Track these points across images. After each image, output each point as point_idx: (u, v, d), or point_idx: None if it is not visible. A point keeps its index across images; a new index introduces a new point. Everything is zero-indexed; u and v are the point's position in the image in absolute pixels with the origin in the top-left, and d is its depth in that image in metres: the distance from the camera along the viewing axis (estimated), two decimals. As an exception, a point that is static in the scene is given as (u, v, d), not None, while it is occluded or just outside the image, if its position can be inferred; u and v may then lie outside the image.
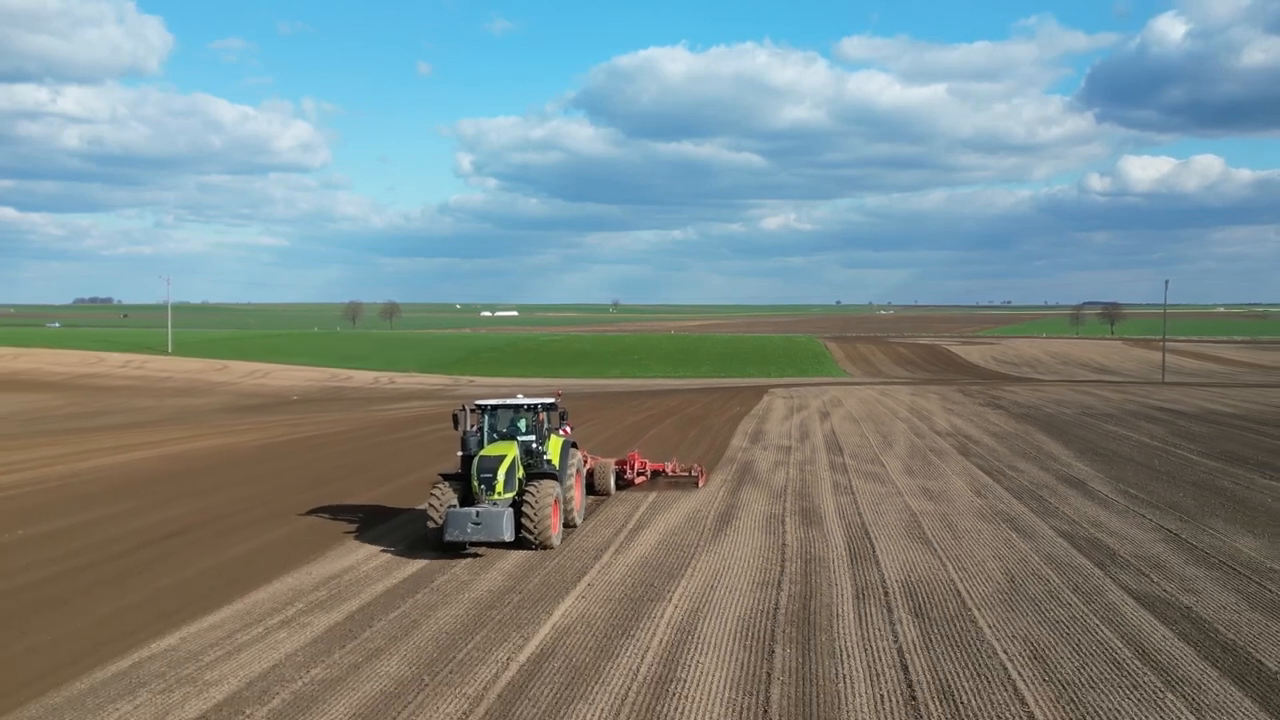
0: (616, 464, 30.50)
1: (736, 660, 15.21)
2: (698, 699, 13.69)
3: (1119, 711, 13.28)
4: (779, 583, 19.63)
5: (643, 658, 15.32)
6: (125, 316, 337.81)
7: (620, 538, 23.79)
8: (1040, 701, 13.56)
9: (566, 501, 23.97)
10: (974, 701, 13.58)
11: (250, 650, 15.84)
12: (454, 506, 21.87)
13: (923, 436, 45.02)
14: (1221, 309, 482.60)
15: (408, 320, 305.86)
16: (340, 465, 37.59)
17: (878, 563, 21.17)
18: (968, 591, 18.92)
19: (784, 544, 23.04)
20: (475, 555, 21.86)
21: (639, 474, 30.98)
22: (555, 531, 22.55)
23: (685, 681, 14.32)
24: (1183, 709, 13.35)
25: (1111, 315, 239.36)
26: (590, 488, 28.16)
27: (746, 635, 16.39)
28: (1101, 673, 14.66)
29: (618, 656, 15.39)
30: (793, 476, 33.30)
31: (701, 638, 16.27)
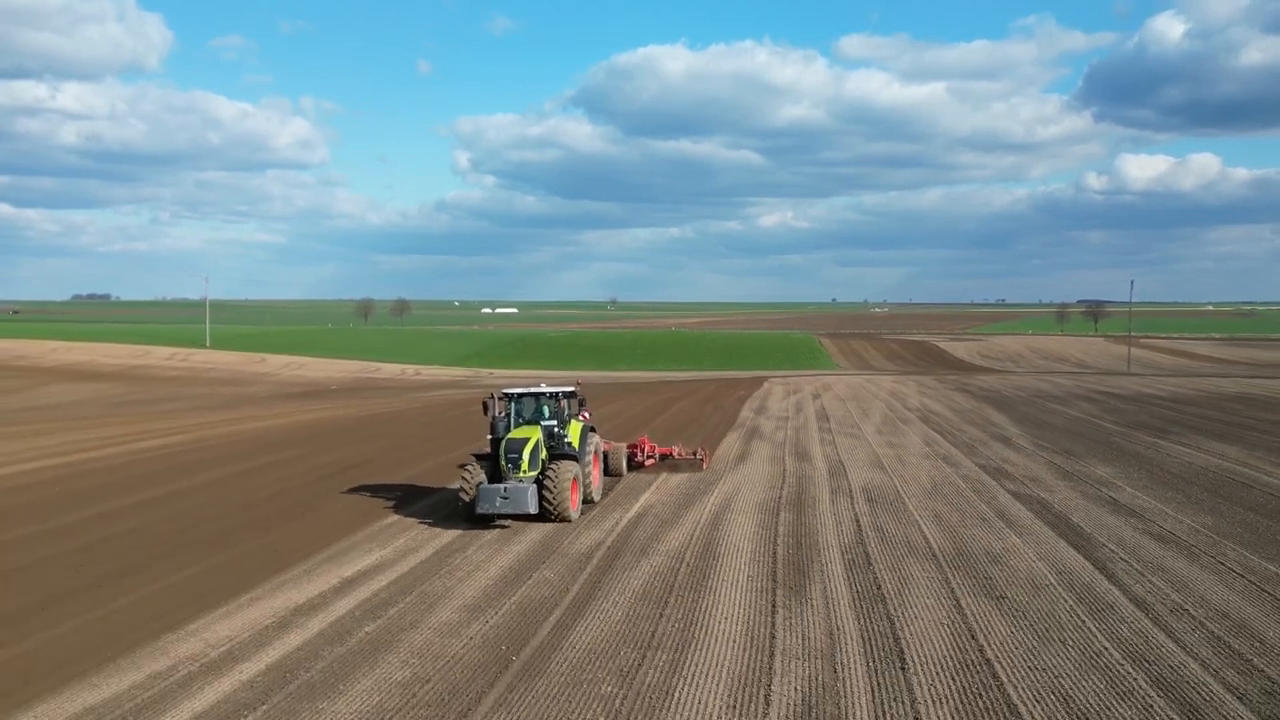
0: (628, 448, 33.10)
1: (757, 518, 25.32)
2: (736, 530, 23.83)
3: (976, 536, 23.29)
4: (781, 487, 29.75)
5: (701, 515, 25.55)
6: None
7: (665, 471, 33.74)
8: (931, 533, 23.59)
9: (585, 480, 26.09)
10: (895, 531, 23.67)
11: (447, 522, 25.73)
12: (484, 483, 24.40)
13: (895, 411, 55.19)
14: (1210, 307, 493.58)
15: (414, 317, 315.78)
16: (426, 432, 47.64)
17: (847, 478, 31.31)
18: (904, 491, 29.01)
19: (784, 470, 33.16)
20: (503, 527, 24.50)
21: (649, 457, 33.47)
22: (574, 507, 24.82)
23: (728, 523, 24.50)
24: (1012, 535, 23.39)
25: (1095, 313, 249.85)
26: (604, 469, 30.10)
27: (762, 509, 26.51)
28: (973, 523, 24.72)
29: (685, 515, 25.54)
30: (790, 435, 43.45)
31: (735, 508, 26.45)
